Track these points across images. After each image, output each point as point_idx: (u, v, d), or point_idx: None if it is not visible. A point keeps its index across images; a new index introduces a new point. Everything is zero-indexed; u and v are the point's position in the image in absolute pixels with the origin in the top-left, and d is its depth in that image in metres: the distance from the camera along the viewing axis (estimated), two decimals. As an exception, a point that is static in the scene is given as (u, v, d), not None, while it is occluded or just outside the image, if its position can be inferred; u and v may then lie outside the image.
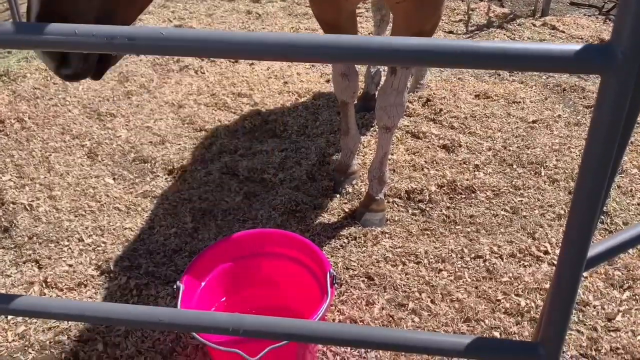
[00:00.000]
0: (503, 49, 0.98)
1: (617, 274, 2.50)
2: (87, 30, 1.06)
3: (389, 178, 3.03)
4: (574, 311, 2.31)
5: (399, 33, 2.38)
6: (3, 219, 2.79)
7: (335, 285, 2.03)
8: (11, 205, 2.88)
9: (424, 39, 0.99)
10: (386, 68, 2.76)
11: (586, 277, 2.48)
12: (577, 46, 0.96)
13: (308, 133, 3.60)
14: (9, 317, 2.24)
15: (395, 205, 2.94)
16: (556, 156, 3.32)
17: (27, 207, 2.87)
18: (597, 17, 5.57)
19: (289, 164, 3.26)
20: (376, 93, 2.62)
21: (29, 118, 3.68)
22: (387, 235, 2.71)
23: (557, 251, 2.42)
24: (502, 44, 0.98)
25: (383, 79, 3.95)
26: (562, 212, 2.86)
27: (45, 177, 3.12)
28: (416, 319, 2.26)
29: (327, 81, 4.30)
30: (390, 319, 2.27)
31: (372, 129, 3.64)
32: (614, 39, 0.89)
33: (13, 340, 2.17)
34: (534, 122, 3.71)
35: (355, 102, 3.29)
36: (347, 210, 2.91)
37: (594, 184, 1.00)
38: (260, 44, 1.02)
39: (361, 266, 2.50)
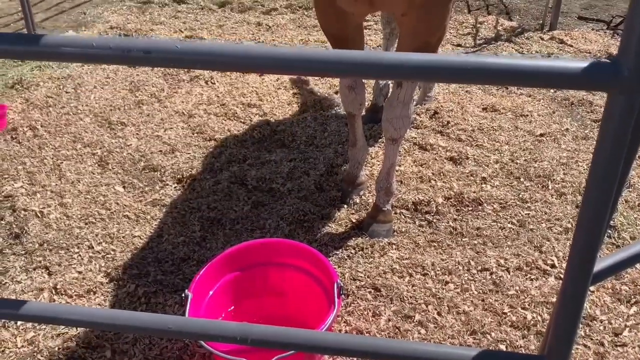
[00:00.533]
0: (509, 66, 1.00)
1: (624, 289, 2.49)
2: (104, 42, 1.09)
3: (397, 189, 3.05)
4: (580, 325, 2.31)
5: (405, 45, 2.41)
6: (14, 226, 2.83)
7: (342, 296, 2.04)
8: (22, 212, 2.91)
9: (430, 55, 1.01)
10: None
11: (593, 292, 2.47)
12: (583, 63, 0.98)
13: (316, 143, 3.63)
14: (19, 323, 2.27)
15: (403, 217, 2.95)
16: (563, 170, 3.33)
17: (38, 214, 2.91)
18: (605, 32, 5.58)
19: (297, 174, 3.28)
20: (384, 104, 2.64)
21: (41, 126, 3.73)
22: (394, 247, 2.72)
23: (564, 265, 2.42)
24: (509, 60, 1.00)
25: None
26: (569, 225, 2.86)
27: (57, 185, 3.16)
28: (422, 331, 2.27)
29: (336, 92, 4.33)
30: (397, 330, 2.27)
31: (379, 140, 3.66)
32: (620, 56, 0.91)
33: (22, 346, 2.19)
34: (541, 135, 3.72)
35: (363, 113, 3.32)
36: (354, 220, 2.92)
37: (601, 198, 1.02)
38: (272, 58, 1.05)
39: (368, 277, 2.51)
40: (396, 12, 2.34)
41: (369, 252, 2.69)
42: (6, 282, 2.51)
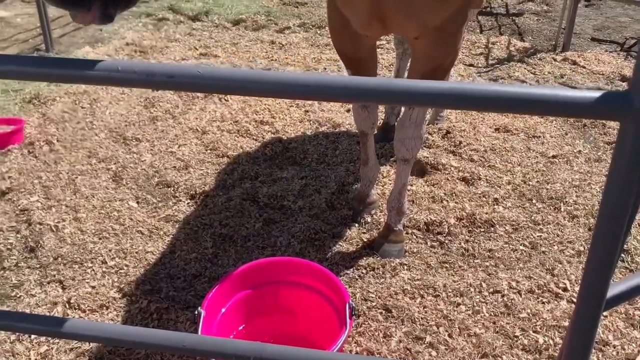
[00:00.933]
0: (522, 95, 1.02)
1: (637, 314, 2.47)
2: (129, 66, 1.13)
3: (408, 209, 3.05)
4: (593, 350, 2.29)
5: (418, 67, 2.43)
6: (30, 239, 2.86)
7: (354, 316, 2.04)
8: (38, 225, 2.95)
9: (441, 83, 1.04)
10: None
11: (606, 316, 2.45)
12: (596, 93, 0.99)
13: (328, 161, 3.65)
14: (32, 336, 2.29)
15: (414, 237, 2.96)
16: (576, 192, 3.32)
17: (53, 228, 2.94)
18: (618, 53, 5.59)
19: (309, 191, 3.30)
20: (396, 124, 2.66)
21: (57, 141, 3.79)
22: (405, 267, 2.72)
23: (577, 288, 2.40)
24: (521, 89, 1.02)
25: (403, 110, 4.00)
26: (582, 248, 2.85)
27: (71, 199, 3.20)
28: (433, 353, 2.26)
29: (348, 110, 4.37)
30: (408, 352, 2.26)
31: (391, 159, 3.68)
32: (632, 87, 0.92)
33: (35, 360, 2.21)
34: (554, 157, 3.72)
35: (375, 132, 3.34)
36: (365, 240, 2.93)
37: (614, 222, 1.03)
38: (289, 85, 1.08)
39: (379, 297, 2.51)
40: (409, 35, 2.37)
41: (381, 272, 2.69)
42: (21, 295, 2.54)
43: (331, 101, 1.14)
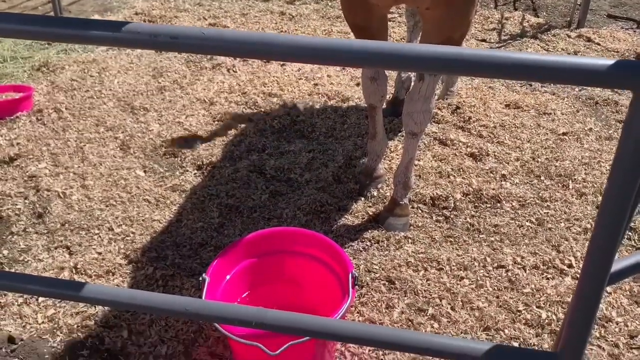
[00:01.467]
0: (533, 61, 1.00)
1: (642, 292, 2.46)
2: (133, 27, 1.11)
3: (415, 183, 3.04)
4: (595, 326, 2.29)
5: (428, 40, 2.40)
6: (38, 205, 2.89)
7: (357, 286, 2.05)
8: (46, 192, 2.97)
9: (452, 47, 1.01)
10: (416, 73, 2.79)
11: (610, 293, 2.45)
12: (609, 61, 0.97)
13: (336, 135, 3.63)
14: (40, 299, 2.32)
15: (420, 211, 2.95)
16: (585, 170, 3.29)
17: (60, 194, 2.96)
18: (634, 31, 5.48)
19: (316, 165, 3.29)
20: (405, 98, 2.63)
21: (65, 109, 3.79)
22: (410, 240, 2.72)
23: (582, 265, 2.39)
24: (532, 56, 1.00)
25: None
26: (589, 226, 2.83)
27: (79, 167, 3.21)
28: (435, 325, 2.27)
29: (357, 84, 4.33)
30: (410, 323, 2.28)
31: (399, 133, 3.65)
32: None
33: (42, 323, 2.24)
34: (564, 134, 3.68)
35: (384, 106, 3.31)
36: (371, 213, 2.92)
37: (620, 198, 1.01)
38: (294, 47, 1.06)
39: (383, 269, 2.52)
40: (421, 5, 2.32)
41: (385, 244, 2.70)
42: (29, 260, 2.57)
43: (336, 65, 1.12)
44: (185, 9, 5.92)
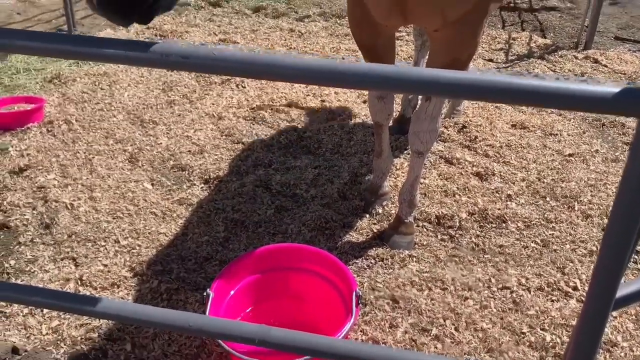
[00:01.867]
0: (539, 87, 1.01)
1: (648, 316, 2.44)
2: (145, 46, 1.13)
3: (420, 202, 3.05)
4: (600, 351, 2.27)
5: (435, 60, 2.42)
6: (45, 216, 2.91)
7: (360, 305, 2.05)
8: (54, 203, 3.00)
9: (459, 73, 1.03)
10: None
11: (615, 317, 2.43)
12: (615, 88, 0.98)
13: (342, 152, 3.65)
14: (45, 310, 2.33)
15: (425, 230, 2.95)
16: (591, 191, 3.28)
17: (68, 206, 2.99)
18: (642, 53, 5.49)
19: (321, 181, 3.31)
20: (412, 117, 2.65)
21: (75, 120, 3.84)
22: (414, 259, 2.72)
23: (587, 288, 2.38)
24: (539, 81, 1.01)
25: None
26: (594, 248, 2.82)
27: (87, 179, 3.24)
28: (439, 346, 2.26)
29: (364, 102, 4.35)
30: (413, 343, 2.27)
31: (405, 151, 3.67)
32: (651, 84, 0.91)
33: (47, 334, 2.25)
34: (570, 155, 3.68)
35: (391, 124, 3.33)
36: (375, 230, 2.93)
37: (627, 221, 1.02)
38: (302, 69, 1.08)
39: (387, 288, 2.52)
40: (429, 27, 2.35)
41: (389, 263, 2.70)
42: (35, 271, 2.58)
43: (344, 87, 1.14)
44: (196, 24, 6.00)
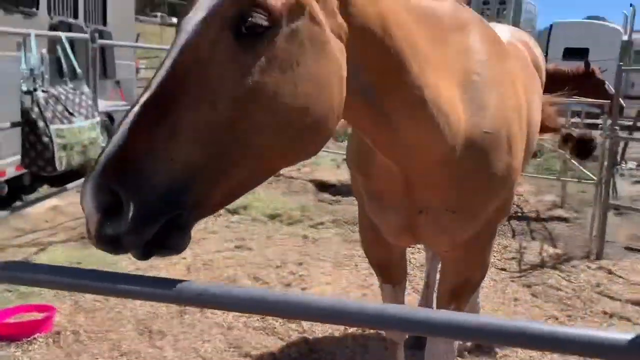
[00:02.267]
0: (552, 333, 1.00)
1: None
2: (165, 284, 1.17)
3: None
4: None
5: (446, 281, 2.42)
6: None
7: None
8: None
9: (470, 315, 1.03)
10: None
11: None
12: (628, 335, 0.97)
13: (355, 367, 3.48)
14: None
15: None
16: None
17: None
18: (654, 263, 5.50)
19: (334, 401, 3.09)
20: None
21: (84, 331, 3.77)
22: None
23: None
24: (552, 328, 1.00)
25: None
26: None
27: (86, 396, 3.07)
28: None
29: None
30: None
31: (422, 368, 3.48)
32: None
33: None
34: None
35: (407, 336, 3.22)
36: None
37: None
38: (312, 308, 1.10)
39: None
40: (439, 247, 2.41)
41: None
42: None
43: (349, 326, 1.15)
44: (214, 230, 6.24)
